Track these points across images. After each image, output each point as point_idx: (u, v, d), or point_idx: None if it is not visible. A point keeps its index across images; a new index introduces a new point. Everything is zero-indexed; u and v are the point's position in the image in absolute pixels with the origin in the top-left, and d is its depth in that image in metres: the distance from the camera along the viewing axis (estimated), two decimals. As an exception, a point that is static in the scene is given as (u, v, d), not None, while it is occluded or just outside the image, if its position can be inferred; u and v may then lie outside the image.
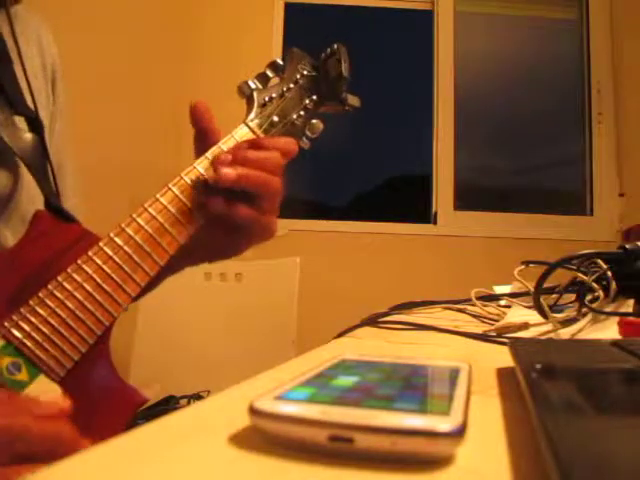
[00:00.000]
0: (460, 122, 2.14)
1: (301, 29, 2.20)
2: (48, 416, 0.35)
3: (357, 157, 2.34)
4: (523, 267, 0.70)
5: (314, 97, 0.62)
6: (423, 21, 2.23)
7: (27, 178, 0.57)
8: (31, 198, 0.57)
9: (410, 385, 0.24)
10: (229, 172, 0.50)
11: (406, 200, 2.28)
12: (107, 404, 0.37)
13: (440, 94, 2.16)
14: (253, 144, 0.53)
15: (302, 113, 0.60)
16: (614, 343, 0.34)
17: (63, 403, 0.38)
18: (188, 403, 1.23)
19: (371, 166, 2.34)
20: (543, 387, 0.23)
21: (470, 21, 2.24)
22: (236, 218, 0.52)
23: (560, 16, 2.28)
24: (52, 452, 0.33)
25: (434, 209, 2.10)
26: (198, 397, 1.24)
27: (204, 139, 0.54)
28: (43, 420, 0.34)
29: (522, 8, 2.27)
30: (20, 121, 0.57)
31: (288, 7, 2.20)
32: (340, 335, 0.55)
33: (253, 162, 0.51)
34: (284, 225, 2.01)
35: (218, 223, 0.53)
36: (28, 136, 0.57)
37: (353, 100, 0.63)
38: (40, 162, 0.58)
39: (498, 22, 2.29)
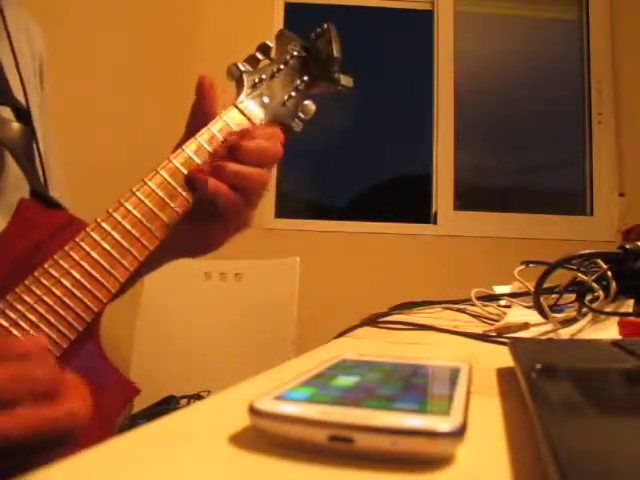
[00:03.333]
0: (460, 122, 2.14)
1: (301, 29, 2.20)
2: (16, 356, 0.33)
3: (357, 157, 2.34)
4: (523, 267, 0.70)
5: (305, 78, 0.61)
6: (423, 21, 2.23)
7: (14, 166, 0.56)
8: (18, 186, 0.56)
9: (410, 385, 0.24)
10: (230, 166, 0.50)
11: (406, 200, 2.28)
12: (99, 394, 0.36)
13: (440, 94, 2.16)
14: (252, 133, 0.52)
15: (293, 94, 0.59)
16: (614, 343, 0.34)
17: (36, 340, 0.38)
18: (188, 403, 1.23)
19: (371, 166, 2.34)
20: (543, 387, 0.23)
21: (470, 21, 2.24)
22: (224, 203, 0.51)
23: (560, 16, 2.28)
24: (33, 395, 0.32)
25: (434, 209, 2.10)
26: (198, 397, 1.24)
27: (198, 120, 0.54)
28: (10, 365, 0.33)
29: (522, 8, 2.27)
30: (6, 111, 0.57)
31: (288, 7, 2.20)
32: (340, 335, 0.55)
33: (244, 152, 0.51)
34: (284, 225, 2.01)
35: (196, 213, 0.52)
36: (15, 125, 0.56)
37: (346, 80, 0.62)
38: (27, 151, 0.57)
39: (498, 22, 2.29)
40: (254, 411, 0.19)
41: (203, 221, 0.55)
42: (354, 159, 2.34)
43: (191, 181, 0.51)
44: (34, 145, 0.59)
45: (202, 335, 1.42)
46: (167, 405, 1.24)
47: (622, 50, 2.13)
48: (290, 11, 2.20)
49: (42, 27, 0.70)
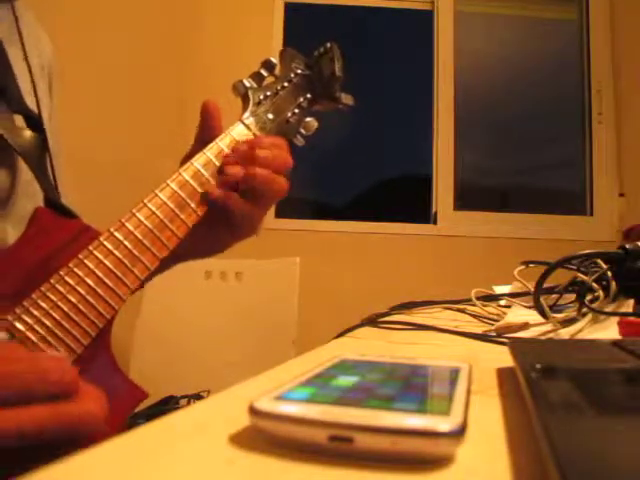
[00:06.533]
0: (460, 122, 2.14)
1: (301, 29, 2.20)
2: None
3: (357, 157, 2.34)
4: (523, 267, 0.70)
5: (308, 95, 0.63)
6: (423, 21, 2.23)
7: (25, 175, 0.57)
8: (30, 195, 0.57)
9: (410, 385, 0.24)
10: (237, 171, 0.52)
11: (406, 200, 2.28)
12: (110, 398, 0.37)
13: (440, 94, 2.16)
14: (261, 142, 0.55)
15: (296, 111, 0.61)
16: (614, 343, 0.34)
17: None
18: (188, 403, 1.23)
19: (371, 166, 2.34)
20: (543, 387, 0.23)
21: (470, 21, 2.24)
22: (234, 212, 0.53)
23: (560, 16, 2.28)
24: (49, 394, 0.32)
25: (434, 209, 2.10)
26: (198, 397, 1.24)
27: (205, 137, 0.55)
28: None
29: (522, 8, 2.27)
30: (18, 119, 0.57)
31: (288, 7, 2.20)
32: (340, 335, 0.55)
33: (261, 160, 0.53)
34: (284, 225, 2.01)
35: (208, 219, 0.54)
36: (27, 133, 0.57)
37: (347, 99, 0.64)
38: (39, 159, 0.58)
39: (498, 22, 2.29)
40: (254, 411, 0.19)
41: (214, 227, 0.56)
42: (354, 159, 2.34)
43: (206, 197, 0.53)
44: (46, 153, 0.59)
45: (202, 335, 1.42)
46: (167, 405, 1.24)
47: (622, 50, 2.13)
48: (290, 11, 2.20)
49: (46, 28, 0.70)
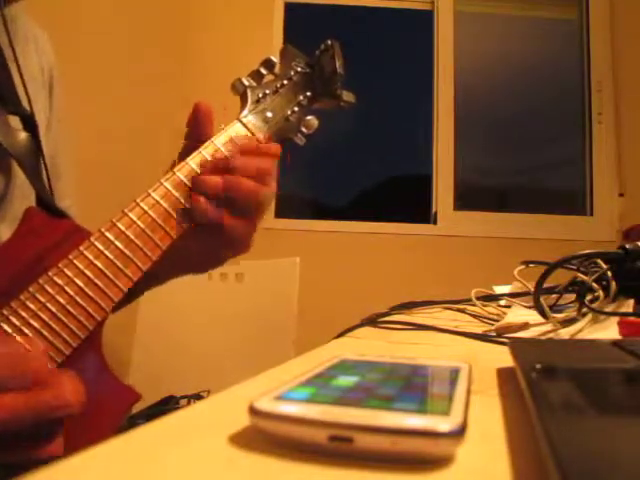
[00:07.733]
0: (460, 122, 2.14)
1: (301, 29, 2.20)
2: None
3: (357, 157, 2.34)
4: (523, 267, 0.70)
5: (308, 93, 0.62)
6: (423, 21, 2.23)
7: (20, 176, 0.57)
8: (26, 196, 0.57)
9: (410, 385, 0.24)
10: (215, 179, 0.51)
11: (406, 200, 2.28)
12: (99, 401, 0.37)
13: (440, 94, 2.16)
14: (245, 149, 0.53)
15: (296, 109, 0.60)
16: (614, 343, 0.34)
17: (29, 340, 0.38)
18: (188, 403, 1.23)
19: (371, 166, 2.34)
20: (543, 387, 0.23)
21: (470, 21, 2.24)
22: (221, 225, 0.52)
23: (560, 16, 2.28)
24: (21, 383, 0.33)
25: (434, 209, 2.10)
26: (198, 397, 1.23)
27: (195, 138, 0.54)
28: None
29: (522, 8, 2.27)
30: (14, 120, 0.57)
31: (288, 7, 2.20)
32: (340, 335, 0.55)
33: (241, 169, 0.51)
34: (284, 225, 2.01)
35: (203, 231, 0.53)
36: (22, 135, 0.57)
37: (348, 96, 0.63)
38: (33, 160, 0.58)
39: (498, 22, 2.29)
40: (254, 411, 0.19)
41: (207, 240, 0.55)
42: (354, 159, 2.34)
43: (190, 212, 0.51)
44: (40, 154, 0.59)
45: (202, 335, 1.42)
46: (167, 405, 1.24)
47: (622, 50, 2.13)
48: (290, 11, 2.20)
49: (44, 28, 0.70)
